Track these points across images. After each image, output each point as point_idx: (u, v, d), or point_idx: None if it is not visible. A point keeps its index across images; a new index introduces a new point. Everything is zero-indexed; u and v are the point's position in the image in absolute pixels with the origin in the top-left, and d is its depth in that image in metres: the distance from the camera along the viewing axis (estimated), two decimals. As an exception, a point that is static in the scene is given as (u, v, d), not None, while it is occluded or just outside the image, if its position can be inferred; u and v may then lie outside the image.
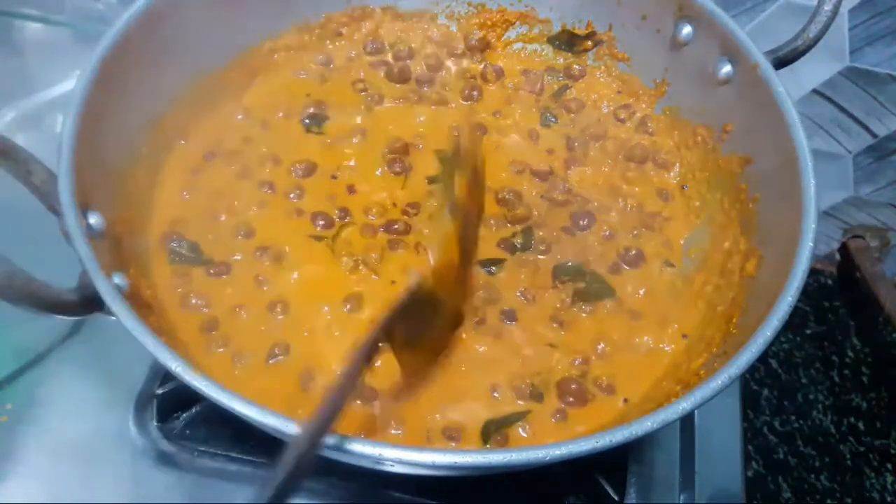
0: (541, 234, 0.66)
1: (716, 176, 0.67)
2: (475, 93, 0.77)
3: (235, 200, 0.65)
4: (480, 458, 0.42)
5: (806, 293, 0.53)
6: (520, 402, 0.56)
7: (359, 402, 0.54)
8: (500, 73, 0.78)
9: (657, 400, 0.54)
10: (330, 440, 0.41)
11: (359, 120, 0.73)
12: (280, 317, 0.58)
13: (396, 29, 0.80)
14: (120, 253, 0.54)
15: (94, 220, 0.51)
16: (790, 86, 0.60)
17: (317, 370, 0.56)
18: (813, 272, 0.90)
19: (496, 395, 0.56)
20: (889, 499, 0.83)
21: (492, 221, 0.66)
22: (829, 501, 0.82)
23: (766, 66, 0.61)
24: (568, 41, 0.79)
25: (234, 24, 0.70)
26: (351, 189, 0.67)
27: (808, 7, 0.64)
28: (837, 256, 1.07)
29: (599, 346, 0.59)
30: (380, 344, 0.46)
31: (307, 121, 0.72)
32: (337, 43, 0.78)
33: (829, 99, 0.94)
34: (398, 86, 0.77)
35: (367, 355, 0.45)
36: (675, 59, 0.72)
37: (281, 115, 0.72)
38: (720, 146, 0.67)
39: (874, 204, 1.03)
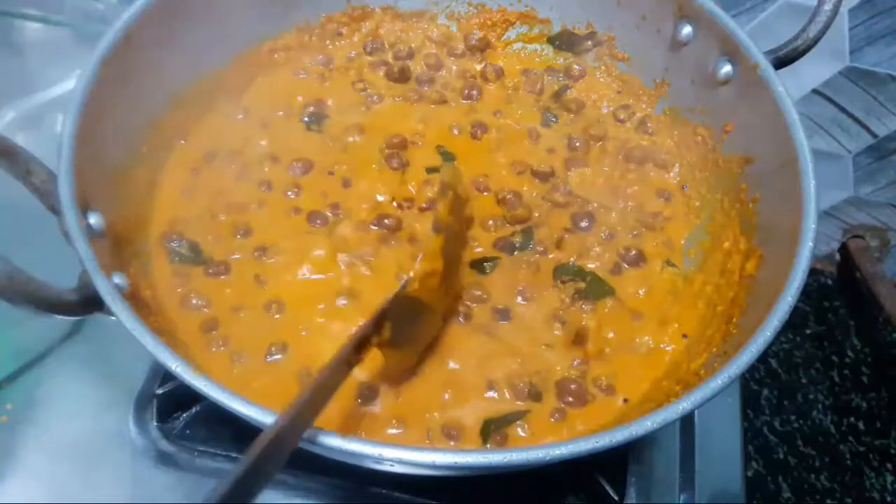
0: (541, 234, 0.66)
1: (716, 176, 0.67)
2: (475, 92, 0.77)
3: (235, 200, 0.65)
4: (480, 458, 0.42)
5: (806, 293, 0.53)
6: (518, 401, 0.56)
7: (359, 401, 0.54)
8: (500, 73, 0.78)
9: (657, 400, 0.54)
10: (330, 440, 0.41)
11: (358, 119, 0.73)
12: (277, 316, 0.58)
13: (396, 29, 0.80)
14: (120, 253, 0.54)
15: (94, 220, 0.51)
16: (790, 86, 0.60)
17: (315, 369, 0.56)
18: (813, 272, 0.90)
19: (495, 394, 0.56)
20: (889, 499, 0.83)
21: (491, 222, 0.66)
22: (829, 501, 0.82)
23: (766, 66, 0.61)
24: (568, 41, 0.79)
25: (234, 24, 0.70)
26: (346, 184, 0.67)
27: (808, 7, 0.64)
28: (837, 256, 1.07)
29: (600, 347, 0.59)
30: (369, 340, 0.49)
31: (307, 120, 0.72)
32: (337, 43, 0.79)
33: (829, 99, 0.94)
34: (398, 85, 0.77)
35: (355, 351, 0.47)
36: (675, 59, 0.71)
37: (281, 114, 0.72)
38: (720, 146, 0.67)
39: (874, 204, 1.03)
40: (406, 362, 0.56)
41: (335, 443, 0.41)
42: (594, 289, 0.62)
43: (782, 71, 0.62)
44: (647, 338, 0.60)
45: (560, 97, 0.77)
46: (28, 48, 0.95)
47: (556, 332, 0.60)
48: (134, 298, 0.51)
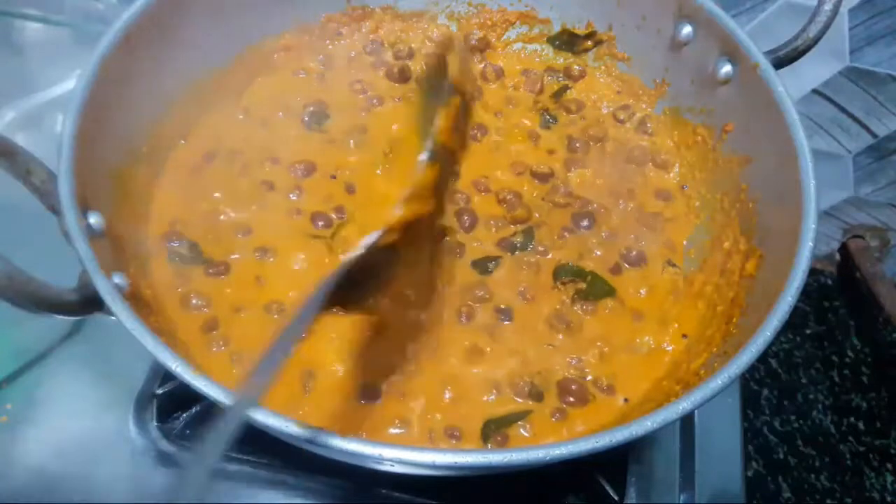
0: (541, 234, 0.66)
1: (716, 176, 0.67)
2: (475, 92, 0.77)
3: (235, 200, 0.65)
4: (480, 457, 0.42)
5: (806, 293, 0.53)
6: (520, 401, 0.56)
7: (362, 401, 0.54)
8: (500, 73, 0.78)
9: (657, 400, 0.54)
10: (330, 440, 0.41)
11: (359, 120, 0.73)
12: (278, 316, 0.58)
13: (396, 29, 0.80)
14: (120, 253, 0.54)
15: (94, 220, 0.51)
16: (790, 86, 0.60)
17: (316, 370, 0.56)
18: (813, 272, 0.90)
19: (496, 393, 0.56)
20: (889, 499, 0.83)
21: (492, 222, 0.66)
22: (829, 501, 0.82)
23: (766, 66, 0.61)
24: (568, 41, 0.79)
25: (234, 24, 0.70)
26: (350, 188, 0.67)
27: (808, 7, 0.64)
28: (837, 256, 1.07)
29: (600, 347, 0.59)
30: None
31: (307, 120, 0.72)
32: (337, 43, 0.78)
33: (829, 99, 0.94)
34: (398, 86, 0.77)
35: (305, 323, 0.42)
36: (675, 59, 0.71)
37: (281, 114, 0.72)
38: (720, 146, 0.67)
39: (874, 204, 1.03)
40: (407, 312, 0.50)
41: (335, 443, 0.41)
42: (595, 289, 0.62)
43: (782, 71, 0.62)
44: (647, 338, 0.60)
45: (560, 97, 0.77)
46: (28, 48, 0.95)
47: (557, 333, 0.60)
48: (134, 298, 0.51)
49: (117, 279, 0.49)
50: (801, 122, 0.58)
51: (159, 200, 0.64)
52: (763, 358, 0.54)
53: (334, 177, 0.68)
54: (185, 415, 0.67)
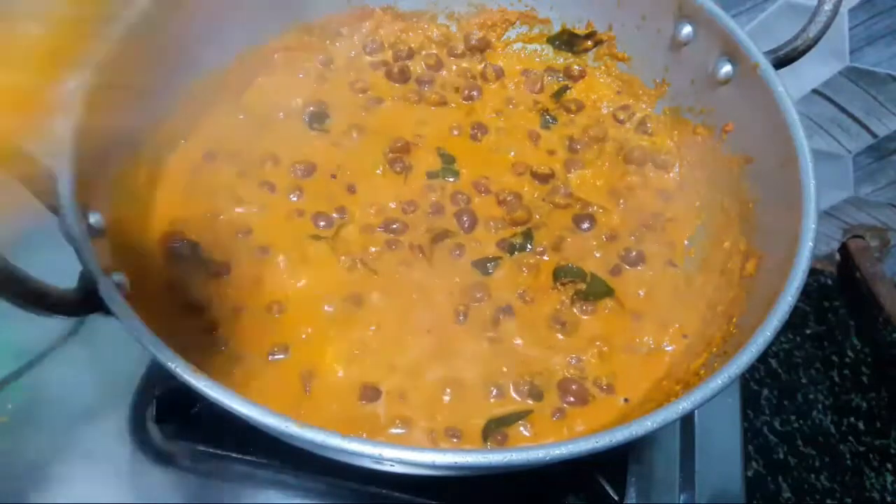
0: (541, 235, 0.66)
1: (716, 176, 0.67)
2: (475, 93, 0.77)
3: (235, 200, 0.65)
4: (480, 457, 0.42)
5: (806, 293, 0.53)
6: (520, 401, 0.56)
7: (362, 401, 0.54)
8: (500, 73, 0.78)
9: (657, 400, 0.54)
10: (330, 440, 0.41)
11: (359, 120, 0.73)
12: (279, 317, 0.58)
13: (396, 29, 0.80)
14: (120, 253, 0.54)
15: (94, 220, 0.51)
16: (790, 86, 0.60)
17: (317, 370, 0.56)
18: (813, 272, 0.90)
19: (497, 394, 0.56)
20: (889, 499, 0.83)
21: (492, 223, 0.66)
22: (829, 501, 0.82)
23: (766, 66, 0.61)
24: (568, 41, 0.79)
25: (234, 24, 0.70)
26: (351, 189, 0.67)
27: (808, 7, 0.64)
28: (837, 256, 1.07)
29: (600, 347, 0.59)
30: None
31: (307, 120, 0.72)
32: (337, 43, 0.78)
33: (829, 99, 0.94)
34: (398, 86, 0.77)
35: None
36: (675, 59, 0.71)
37: (281, 115, 0.72)
38: (720, 146, 0.67)
39: (874, 204, 1.03)
40: None
41: (335, 443, 0.41)
42: (594, 289, 0.62)
43: (782, 71, 0.62)
44: (647, 338, 0.60)
45: (560, 97, 0.77)
46: (28, 48, 0.95)
47: (556, 333, 0.60)
48: (134, 298, 0.51)
49: (117, 279, 0.49)
50: (801, 122, 0.58)
51: (159, 200, 0.64)
52: (763, 358, 0.54)
53: (335, 177, 0.68)
54: (185, 415, 0.67)
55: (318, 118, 0.72)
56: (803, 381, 0.92)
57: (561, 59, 0.80)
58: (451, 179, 0.69)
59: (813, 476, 0.84)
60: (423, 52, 0.79)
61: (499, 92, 0.78)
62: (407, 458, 0.41)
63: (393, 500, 0.63)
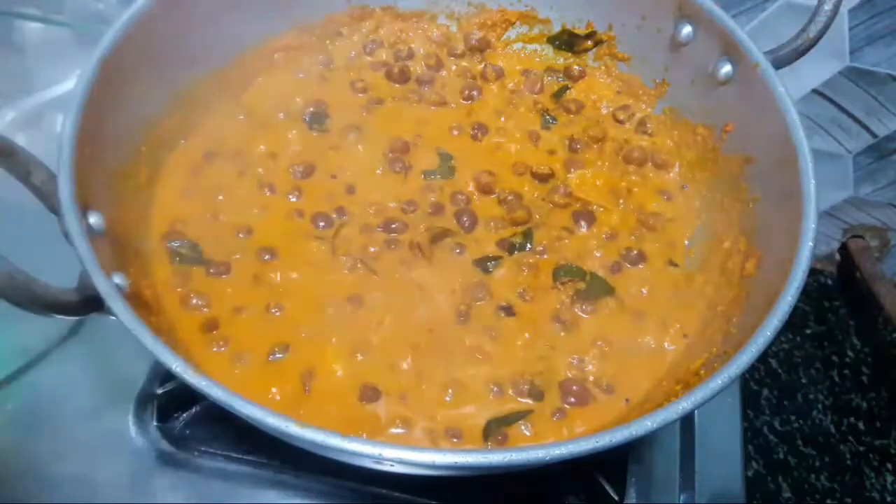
0: (541, 235, 0.66)
1: (716, 176, 0.67)
2: (475, 93, 0.77)
3: (235, 200, 0.65)
4: (480, 457, 0.42)
5: (806, 293, 0.53)
6: (521, 401, 0.56)
7: (362, 401, 0.54)
8: (500, 73, 0.78)
9: (657, 400, 0.54)
10: (330, 440, 0.41)
11: (359, 120, 0.73)
12: (279, 316, 0.58)
13: (396, 29, 0.80)
14: (120, 253, 0.54)
15: (94, 220, 0.51)
16: (790, 86, 0.60)
17: (317, 370, 0.56)
18: (813, 272, 0.91)
19: (497, 393, 0.56)
20: (889, 499, 0.83)
21: (492, 223, 0.66)
22: (829, 501, 0.82)
23: (766, 66, 0.61)
24: (568, 41, 0.79)
25: (234, 24, 0.70)
26: (350, 189, 0.67)
27: (808, 7, 0.64)
28: (837, 256, 1.07)
29: (600, 346, 0.59)
30: None
31: (307, 120, 0.72)
32: (337, 43, 0.78)
33: (829, 99, 0.94)
34: (398, 86, 0.77)
35: None
36: (675, 59, 0.72)
37: (281, 115, 0.72)
38: (720, 146, 0.67)
39: (874, 204, 1.03)
40: None
41: (335, 443, 0.41)
42: (594, 289, 0.62)
43: (782, 71, 0.62)
44: (648, 338, 0.60)
45: (560, 97, 0.77)
46: (28, 48, 0.95)
47: (557, 333, 0.60)
48: (134, 298, 0.51)
49: (117, 279, 0.49)
50: (801, 122, 0.58)
51: (160, 200, 0.64)
52: (763, 358, 0.54)
53: (334, 177, 0.68)
54: (185, 415, 0.67)
55: (318, 118, 0.72)
56: (803, 381, 0.92)
57: (561, 59, 0.80)
58: (451, 179, 0.69)
59: (813, 476, 0.84)
60: (423, 52, 0.79)
61: (499, 92, 0.78)
62: (407, 458, 0.41)
63: (393, 500, 0.63)
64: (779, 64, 0.62)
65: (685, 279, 0.64)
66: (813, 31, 0.62)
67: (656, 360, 0.59)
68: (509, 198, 0.68)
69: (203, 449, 0.65)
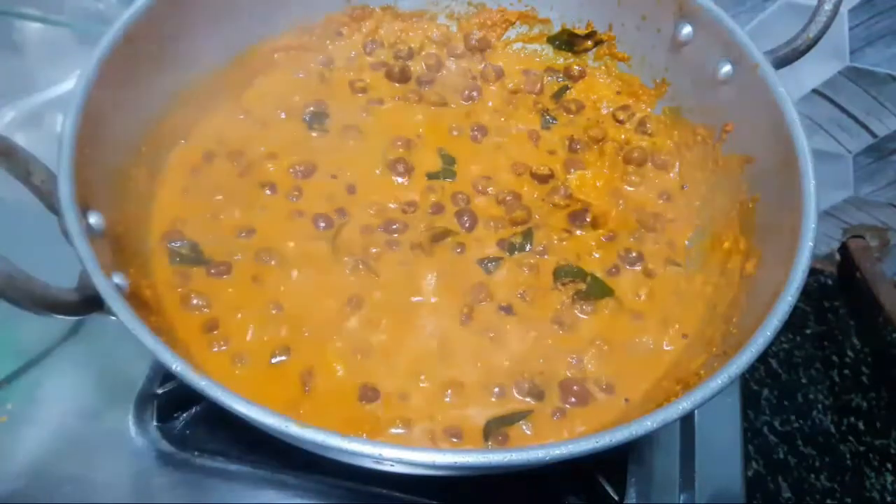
0: (540, 235, 0.66)
1: (716, 176, 0.67)
2: (475, 93, 0.77)
3: (236, 200, 0.65)
4: (480, 457, 0.42)
5: (806, 293, 0.53)
6: (521, 400, 0.56)
7: (362, 401, 0.54)
8: (500, 73, 0.78)
9: (657, 400, 0.54)
10: (330, 440, 0.41)
11: (359, 120, 0.73)
12: (280, 317, 0.58)
13: (396, 29, 0.80)
14: (120, 253, 0.54)
15: (94, 220, 0.51)
16: (790, 86, 0.60)
17: (317, 370, 0.56)
18: (813, 272, 0.91)
19: (498, 394, 0.56)
20: (889, 499, 0.83)
21: (492, 223, 0.66)
22: (829, 501, 0.82)
23: (766, 66, 0.61)
24: (568, 41, 0.79)
25: (234, 24, 0.70)
26: (351, 189, 0.67)
27: (808, 7, 0.64)
28: (837, 256, 1.07)
29: (600, 346, 0.59)
30: None
31: (307, 120, 0.72)
32: (337, 43, 0.78)
33: (829, 99, 0.94)
34: (398, 86, 0.77)
35: None
36: (675, 59, 0.72)
37: (281, 115, 0.72)
38: (720, 146, 0.67)
39: (874, 204, 1.03)
40: None
41: (335, 443, 0.41)
42: (594, 290, 0.62)
43: (782, 71, 0.62)
44: (647, 338, 0.60)
45: (560, 97, 0.77)
46: (28, 48, 0.95)
47: (557, 333, 0.60)
48: (134, 298, 0.51)
49: (117, 279, 0.49)
50: (801, 122, 0.58)
51: (160, 200, 0.64)
52: (763, 358, 0.54)
53: (335, 177, 0.68)
54: (185, 415, 0.67)
55: (318, 118, 0.72)
56: (803, 381, 0.92)
57: (561, 59, 0.80)
58: (451, 179, 0.69)
59: (813, 476, 0.84)
60: (423, 52, 0.79)
61: (499, 92, 0.78)
62: (407, 458, 0.41)
63: (393, 500, 0.63)
64: (779, 64, 0.62)
65: (685, 279, 0.64)
66: (813, 31, 0.62)
67: (656, 360, 0.59)
68: (509, 198, 0.68)
69: (203, 449, 0.65)
